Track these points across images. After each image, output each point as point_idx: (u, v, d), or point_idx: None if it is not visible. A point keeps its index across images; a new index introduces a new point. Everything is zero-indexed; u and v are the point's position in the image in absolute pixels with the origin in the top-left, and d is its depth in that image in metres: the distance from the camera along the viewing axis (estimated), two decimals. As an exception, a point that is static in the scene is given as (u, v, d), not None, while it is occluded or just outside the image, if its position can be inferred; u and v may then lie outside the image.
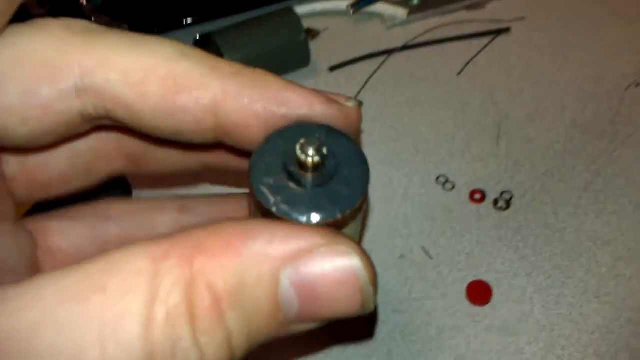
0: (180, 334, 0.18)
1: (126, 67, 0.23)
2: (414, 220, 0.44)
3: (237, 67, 0.24)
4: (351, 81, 0.54)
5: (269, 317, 0.20)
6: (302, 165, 0.22)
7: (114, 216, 0.29)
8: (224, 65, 0.24)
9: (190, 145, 0.26)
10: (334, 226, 0.22)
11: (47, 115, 0.23)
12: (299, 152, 0.22)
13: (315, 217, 0.21)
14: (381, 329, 0.39)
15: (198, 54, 0.24)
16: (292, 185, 0.22)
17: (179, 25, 0.57)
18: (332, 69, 0.55)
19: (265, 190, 0.22)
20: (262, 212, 0.22)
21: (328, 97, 0.24)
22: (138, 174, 0.30)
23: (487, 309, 0.40)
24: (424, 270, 0.41)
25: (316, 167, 0.22)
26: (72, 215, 0.29)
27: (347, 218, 0.22)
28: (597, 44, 0.55)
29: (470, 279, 0.41)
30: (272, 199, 0.21)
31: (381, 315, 0.40)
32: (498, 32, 0.56)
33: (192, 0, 0.57)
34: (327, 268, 0.20)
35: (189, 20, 0.57)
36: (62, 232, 0.28)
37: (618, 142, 0.47)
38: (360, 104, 0.26)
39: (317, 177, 0.22)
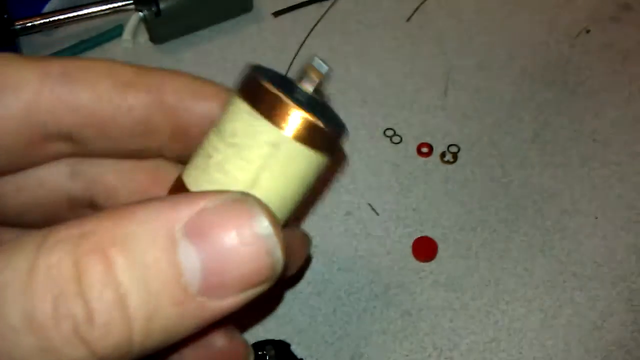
0: (61, 288, 0.17)
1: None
2: (361, 176, 0.43)
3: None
4: (296, 27, 0.51)
5: (171, 280, 0.18)
6: (309, 77, 0.22)
7: None
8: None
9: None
10: (311, 142, 0.21)
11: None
12: (316, 61, 0.22)
13: (305, 112, 0.21)
14: (327, 288, 0.38)
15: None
16: (290, 88, 0.22)
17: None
18: (277, 14, 0.52)
19: (263, 79, 0.21)
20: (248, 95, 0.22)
21: None
22: None
23: (432, 264, 0.39)
24: (371, 227, 0.41)
25: (319, 86, 0.23)
26: None
27: (326, 135, 0.22)
28: (549, -12, 0.54)
29: (417, 235, 0.40)
30: (265, 80, 0.21)
31: (326, 275, 0.39)
32: (449, -25, 0.54)
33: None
34: (221, 220, 0.19)
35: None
36: None
37: (567, 92, 0.46)
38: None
39: (313, 98, 0.22)
